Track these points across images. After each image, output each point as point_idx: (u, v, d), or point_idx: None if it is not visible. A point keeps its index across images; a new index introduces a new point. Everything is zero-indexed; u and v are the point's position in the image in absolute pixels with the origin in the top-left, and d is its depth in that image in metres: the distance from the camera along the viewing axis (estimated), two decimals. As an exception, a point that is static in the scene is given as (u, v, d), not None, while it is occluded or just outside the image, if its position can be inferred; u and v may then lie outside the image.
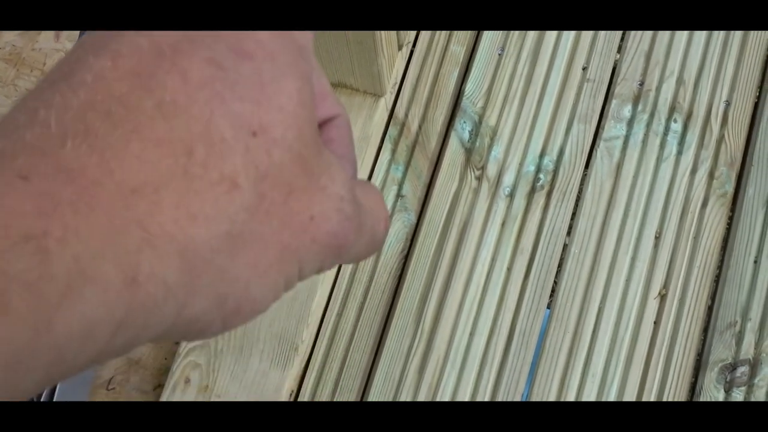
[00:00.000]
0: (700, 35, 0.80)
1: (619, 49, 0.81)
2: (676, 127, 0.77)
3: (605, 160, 0.77)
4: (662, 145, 0.77)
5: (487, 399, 0.72)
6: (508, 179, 0.77)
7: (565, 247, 0.75)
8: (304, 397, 0.73)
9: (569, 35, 0.81)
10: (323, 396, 0.73)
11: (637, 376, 0.71)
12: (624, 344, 0.72)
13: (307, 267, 0.19)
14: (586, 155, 0.77)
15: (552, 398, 0.71)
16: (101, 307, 0.15)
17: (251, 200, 0.17)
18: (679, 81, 0.79)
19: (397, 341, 0.74)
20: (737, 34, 0.80)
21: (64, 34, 0.87)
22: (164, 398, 0.71)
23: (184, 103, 0.17)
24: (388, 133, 0.79)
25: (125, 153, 0.16)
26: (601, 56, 0.80)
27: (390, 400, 0.72)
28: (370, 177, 0.78)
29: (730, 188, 0.76)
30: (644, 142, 0.77)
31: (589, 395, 0.71)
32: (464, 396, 0.72)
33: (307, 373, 0.74)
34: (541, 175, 0.77)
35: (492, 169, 0.77)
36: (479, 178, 0.77)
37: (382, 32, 0.68)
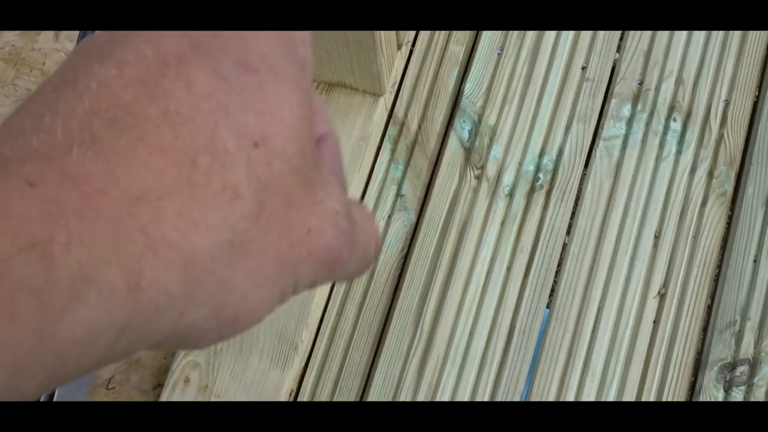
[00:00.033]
0: (699, 35, 0.80)
1: (618, 49, 0.81)
2: (676, 126, 0.77)
3: (604, 159, 0.77)
4: (661, 144, 0.77)
5: (486, 398, 0.72)
6: (507, 179, 0.77)
7: (565, 246, 0.75)
8: (304, 396, 0.73)
9: (568, 35, 0.81)
10: (323, 395, 0.73)
11: (637, 375, 0.71)
12: (623, 343, 0.72)
13: (302, 281, 0.20)
14: (586, 154, 0.77)
15: (551, 397, 0.71)
16: (105, 312, 0.15)
17: (252, 209, 0.17)
18: (679, 80, 0.79)
19: (397, 341, 0.74)
20: (736, 34, 0.80)
21: (64, 34, 0.87)
22: (164, 398, 0.71)
23: (189, 112, 0.17)
24: (387, 132, 0.79)
25: (131, 160, 0.16)
26: (600, 56, 0.80)
27: (389, 399, 0.72)
28: (369, 176, 0.78)
29: (729, 187, 0.76)
30: (643, 141, 0.77)
31: (589, 394, 0.71)
32: (464, 395, 0.72)
33: (306, 373, 0.74)
34: (541, 175, 0.77)
35: (491, 169, 0.77)
36: (479, 178, 0.77)
37: (382, 32, 0.68)
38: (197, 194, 0.17)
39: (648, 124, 0.78)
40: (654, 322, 0.73)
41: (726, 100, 0.78)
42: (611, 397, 0.71)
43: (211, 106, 0.17)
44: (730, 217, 0.76)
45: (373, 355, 0.74)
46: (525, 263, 0.75)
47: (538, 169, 0.77)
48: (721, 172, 0.76)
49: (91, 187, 0.16)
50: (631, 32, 0.81)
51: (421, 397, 0.72)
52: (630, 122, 0.78)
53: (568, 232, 0.76)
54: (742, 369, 0.70)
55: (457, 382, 0.72)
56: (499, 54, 0.81)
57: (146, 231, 0.16)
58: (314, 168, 0.19)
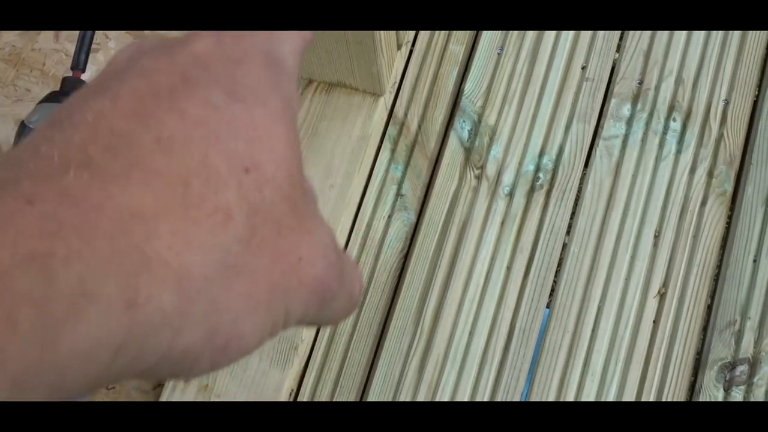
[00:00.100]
0: (699, 34, 0.80)
1: (618, 49, 0.81)
2: (675, 126, 0.77)
3: (604, 159, 0.77)
4: (661, 144, 0.77)
5: (486, 398, 0.72)
6: (507, 178, 0.77)
7: (565, 246, 0.75)
8: (304, 396, 0.73)
9: (568, 35, 0.81)
10: (323, 395, 0.73)
11: (637, 375, 0.71)
12: (623, 343, 0.72)
13: (293, 312, 0.20)
14: (586, 154, 0.77)
15: (551, 397, 0.71)
16: (104, 327, 0.16)
17: (244, 233, 0.18)
18: (678, 80, 0.79)
19: (397, 340, 0.74)
20: (736, 34, 0.80)
21: (64, 34, 0.87)
22: (164, 398, 0.71)
23: (182, 139, 0.18)
24: (387, 132, 0.79)
25: (126, 181, 0.17)
26: (600, 55, 0.80)
27: (389, 399, 0.72)
28: (369, 176, 0.78)
29: (729, 187, 0.76)
30: (643, 141, 0.77)
31: (589, 394, 0.71)
32: (464, 395, 0.72)
33: (306, 373, 0.74)
34: (541, 174, 0.77)
35: (491, 168, 0.77)
36: (479, 177, 0.77)
37: (382, 32, 0.68)
38: (190, 215, 0.17)
39: (648, 123, 0.78)
40: (654, 321, 0.73)
41: (726, 100, 0.78)
42: (611, 396, 0.71)
43: (203, 133, 0.18)
44: (729, 217, 0.76)
45: (373, 355, 0.74)
46: (525, 263, 0.75)
47: (538, 169, 0.77)
48: (720, 171, 0.76)
49: (88, 204, 0.16)
50: (631, 32, 0.81)
51: (421, 397, 0.72)
52: (630, 122, 0.78)
53: (568, 232, 0.76)
54: (742, 368, 0.70)
55: (457, 382, 0.72)
56: (499, 54, 0.81)
57: (141, 248, 0.16)
58: (303, 197, 0.20)
